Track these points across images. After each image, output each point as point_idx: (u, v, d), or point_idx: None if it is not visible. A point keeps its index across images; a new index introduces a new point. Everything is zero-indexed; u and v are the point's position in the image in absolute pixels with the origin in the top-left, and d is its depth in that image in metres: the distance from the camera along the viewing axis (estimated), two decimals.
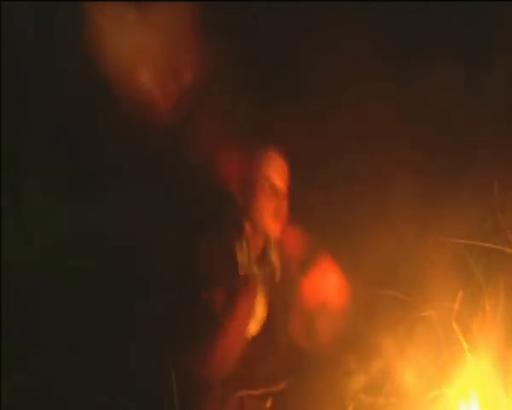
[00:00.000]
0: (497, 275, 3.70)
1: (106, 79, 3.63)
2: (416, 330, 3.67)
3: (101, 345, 3.64)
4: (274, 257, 3.55)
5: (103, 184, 3.87)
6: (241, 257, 3.44)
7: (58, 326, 3.73)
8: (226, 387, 3.44)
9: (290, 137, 3.74)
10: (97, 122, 3.88)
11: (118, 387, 3.56)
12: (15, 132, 3.92)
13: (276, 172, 3.44)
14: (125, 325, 3.56)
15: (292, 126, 3.82)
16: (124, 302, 3.63)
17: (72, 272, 3.76)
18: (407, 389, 3.62)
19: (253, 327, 3.52)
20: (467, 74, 3.94)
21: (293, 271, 3.58)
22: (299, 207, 3.64)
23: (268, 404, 3.56)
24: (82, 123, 3.91)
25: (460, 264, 3.71)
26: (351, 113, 3.87)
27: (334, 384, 3.59)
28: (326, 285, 3.61)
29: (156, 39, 3.72)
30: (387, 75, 3.93)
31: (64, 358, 3.68)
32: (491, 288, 3.68)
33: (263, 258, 3.53)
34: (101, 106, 3.81)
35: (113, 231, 3.80)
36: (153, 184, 3.76)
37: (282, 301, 3.59)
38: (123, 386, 3.54)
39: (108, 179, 3.87)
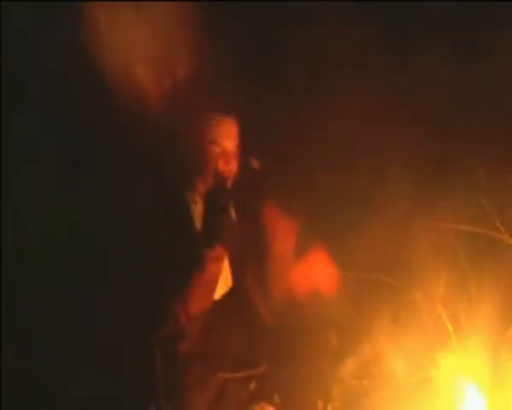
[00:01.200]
0: (482, 260, 3.71)
1: (102, 74, 3.70)
2: (402, 314, 3.69)
3: (85, 328, 3.70)
4: (232, 212, 3.62)
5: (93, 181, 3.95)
6: (195, 211, 3.54)
7: (45, 310, 3.81)
8: (207, 368, 3.50)
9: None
10: (94, 119, 3.96)
11: (102, 368, 3.61)
12: (11, 129, 4.00)
13: (225, 135, 3.54)
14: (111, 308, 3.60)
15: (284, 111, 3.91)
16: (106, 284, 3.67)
17: (61, 264, 3.86)
18: (392, 371, 3.63)
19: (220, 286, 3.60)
20: (457, 63, 3.96)
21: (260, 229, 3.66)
22: (287, 192, 3.71)
23: (251, 387, 3.59)
24: (78, 120, 3.99)
25: (446, 248, 3.72)
26: (342, 98, 3.91)
27: (319, 366, 3.60)
28: (317, 274, 3.66)
29: (152, 35, 3.79)
30: (380, 62, 3.97)
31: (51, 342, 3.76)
32: (477, 273, 3.69)
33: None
34: (96, 102, 3.89)
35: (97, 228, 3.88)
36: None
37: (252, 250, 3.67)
38: (107, 367, 3.59)
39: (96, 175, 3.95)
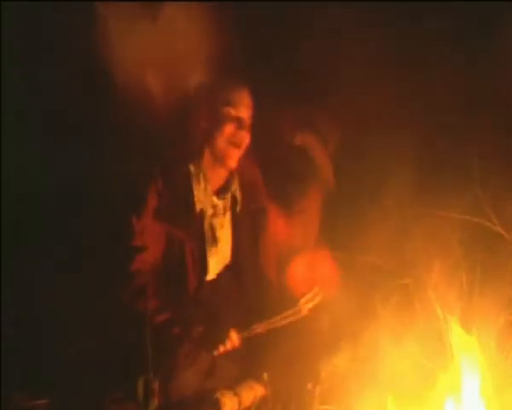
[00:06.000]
0: (474, 249, 3.73)
1: (110, 74, 3.73)
2: (393, 298, 3.70)
3: (75, 301, 3.73)
4: (235, 188, 3.68)
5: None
6: (198, 191, 3.58)
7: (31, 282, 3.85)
8: (198, 343, 3.52)
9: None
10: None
11: (90, 339, 3.63)
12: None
13: (241, 104, 3.57)
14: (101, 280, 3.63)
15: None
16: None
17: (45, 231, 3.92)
18: (381, 355, 3.62)
19: (221, 256, 3.68)
20: (454, 59, 4.02)
21: (258, 204, 3.70)
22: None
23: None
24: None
25: (439, 236, 3.74)
26: (350, 91, 3.97)
27: (309, 347, 3.62)
28: (317, 271, 3.69)
29: (163, 40, 3.82)
30: (387, 58, 4.03)
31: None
32: (469, 261, 3.70)
33: (224, 189, 3.66)
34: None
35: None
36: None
37: (252, 232, 3.71)
38: (96, 339, 3.61)
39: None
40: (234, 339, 3.52)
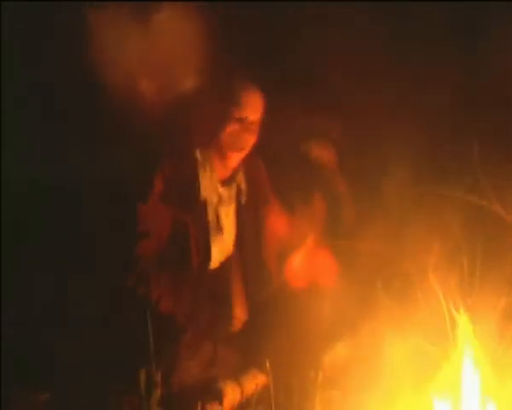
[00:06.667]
0: (474, 231, 3.72)
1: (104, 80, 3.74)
2: (394, 284, 3.69)
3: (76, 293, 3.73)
4: (240, 179, 3.68)
5: None
6: (204, 179, 3.59)
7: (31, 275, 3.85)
8: (200, 332, 3.51)
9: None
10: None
11: (93, 331, 3.62)
12: None
13: (247, 106, 3.56)
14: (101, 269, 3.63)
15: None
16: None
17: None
18: (383, 342, 3.61)
19: (224, 245, 3.68)
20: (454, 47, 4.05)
21: (262, 196, 3.72)
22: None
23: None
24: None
25: (439, 219, 3.74)
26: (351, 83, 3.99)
27: (311, 335, 3.61)
28: (316, 266, 3.69)
29: (157, 45, 3.83)
30: (388, 55, 4.05)
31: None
32: (469, 244, 3.69)
33: (229, 179, 3.67)
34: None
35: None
36: None
37: (255, 225, 3.73)
38: (98, 331, 3.60)
39: None
40: (240, 315, 3.51)
